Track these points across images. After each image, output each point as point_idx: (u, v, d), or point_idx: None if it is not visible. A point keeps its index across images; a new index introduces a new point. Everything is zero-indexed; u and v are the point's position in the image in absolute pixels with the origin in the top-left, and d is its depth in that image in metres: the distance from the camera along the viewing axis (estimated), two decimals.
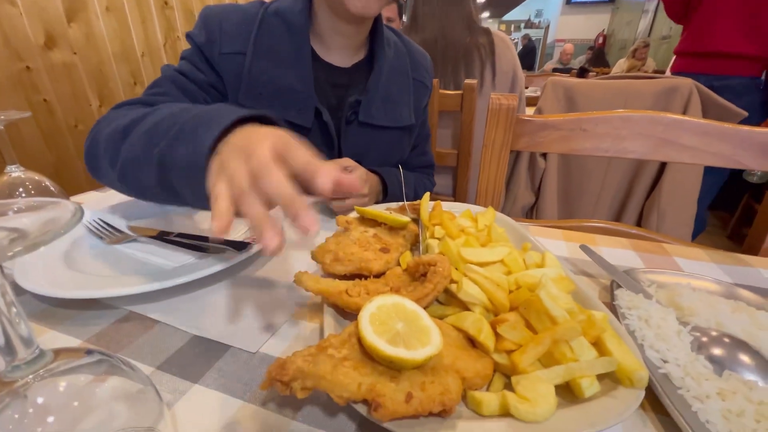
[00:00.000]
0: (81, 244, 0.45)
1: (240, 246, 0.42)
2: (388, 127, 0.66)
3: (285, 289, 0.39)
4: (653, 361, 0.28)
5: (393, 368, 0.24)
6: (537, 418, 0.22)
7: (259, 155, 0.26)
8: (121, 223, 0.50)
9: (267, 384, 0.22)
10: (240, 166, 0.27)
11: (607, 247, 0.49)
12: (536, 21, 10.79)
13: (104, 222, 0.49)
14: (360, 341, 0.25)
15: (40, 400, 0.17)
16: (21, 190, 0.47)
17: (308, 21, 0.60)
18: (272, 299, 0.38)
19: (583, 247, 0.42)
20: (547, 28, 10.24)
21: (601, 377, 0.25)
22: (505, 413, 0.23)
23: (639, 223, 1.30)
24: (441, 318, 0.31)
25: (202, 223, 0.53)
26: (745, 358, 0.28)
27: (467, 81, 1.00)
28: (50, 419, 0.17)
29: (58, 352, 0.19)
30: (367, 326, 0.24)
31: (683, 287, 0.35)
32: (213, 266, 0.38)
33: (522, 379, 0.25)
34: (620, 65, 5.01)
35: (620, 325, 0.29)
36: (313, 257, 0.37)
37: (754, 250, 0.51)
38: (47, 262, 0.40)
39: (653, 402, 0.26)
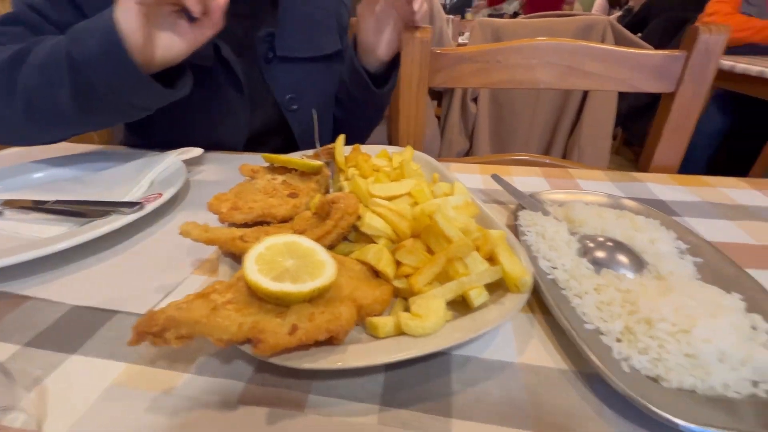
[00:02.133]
0: None
1: (130, 207, 0.38)
2: (314, 58, 0.60)
3: (184, 248, 0.36)
4: (544, 269, 0.30)
5: (281, 304, 0.22)
6: (426, 331, 0.22)
7: None
8: None
9: (135, 339, 0.20)
10: None
11: (519, 176, 0.51)
12: None
13: None
14: (246, 283, 0.23)
15: None
16: None
17: None
18: (169, 259, 0.34)
19: (494, 176, 0.43)
20: None
21: (496, 289, 0.27)
22: (401, 333, 0.23)
23: (564, 158, 1.39)
24: (348, 254, 0.30)
25: (87, 186, 0.46)
26: (621, 256, 0.31)
27: None
28: None
29: None
30: (252, 266, 0.23)
31: (577, 203, 0.38)
32: (89, 233, 0.33)
33: (417, 299, 0.25)
34: None
35: (516, 240, 0.30)
36: (209, 208, 0.34)
37: (645, 168, 0.56)
38: None
39: (541, 305, 0.28)
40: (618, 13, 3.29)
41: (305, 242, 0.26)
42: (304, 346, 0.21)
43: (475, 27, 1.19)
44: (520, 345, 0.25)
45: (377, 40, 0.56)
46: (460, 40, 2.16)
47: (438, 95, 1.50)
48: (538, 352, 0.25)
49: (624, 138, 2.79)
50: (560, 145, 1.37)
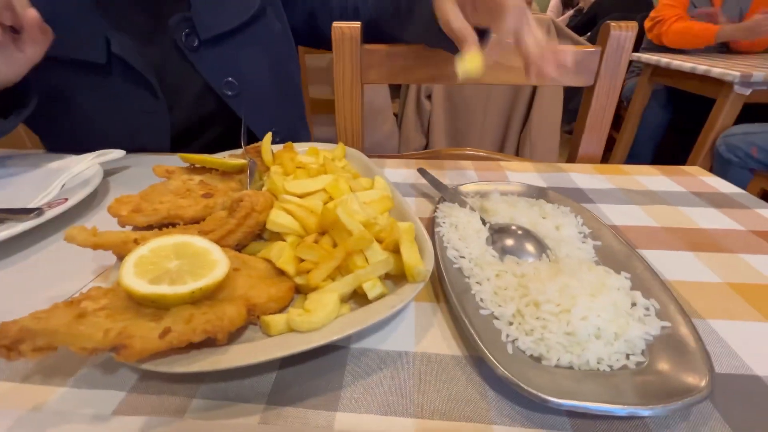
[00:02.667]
0: None
1: (29, 213, 0.35)
2: (239, 27, 0.54)
3: (89, 256, 0.34)
4: (451, 259, 0.30)
5: (160, 308, 0.21)
6: (313, 326, 0.22)
7: None
8: None
9: None
10: None
11: (452, 170, 0.52)
12: None
13: None
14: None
15: None
16: None
17: None
18: (69, 269, 0.32)
19: (420, 170, 0.44)
20: None
21: (400, 281, 0.27)
22: (293, 330, 0.23)
23: (517, 153, 1.44)
24: (254, 253, 0.30)
25: None
26: (525, 243, 0.32)
27: None
28: None
29: None
30: (129, 269, 0.22)
31: (493, 193, 0.39)
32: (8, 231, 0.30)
33: (313, 295, 0.25)
34: None
35: (424, 231, 0.30)
36: (109, 211, 0.32)
37: (572, 159, 0.59)
38: None
39: (445, 294, 0.29)
40: (570, 13, 3.44)
41: (198, 242, 0.25)
42: (182, 349, 0.21)
43: None
44: (420, 334, 0.26)
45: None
46: None
47: (396, 92, 1.51)
48: (435, 340, 0.25)
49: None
50: (513, 140, 1.41)
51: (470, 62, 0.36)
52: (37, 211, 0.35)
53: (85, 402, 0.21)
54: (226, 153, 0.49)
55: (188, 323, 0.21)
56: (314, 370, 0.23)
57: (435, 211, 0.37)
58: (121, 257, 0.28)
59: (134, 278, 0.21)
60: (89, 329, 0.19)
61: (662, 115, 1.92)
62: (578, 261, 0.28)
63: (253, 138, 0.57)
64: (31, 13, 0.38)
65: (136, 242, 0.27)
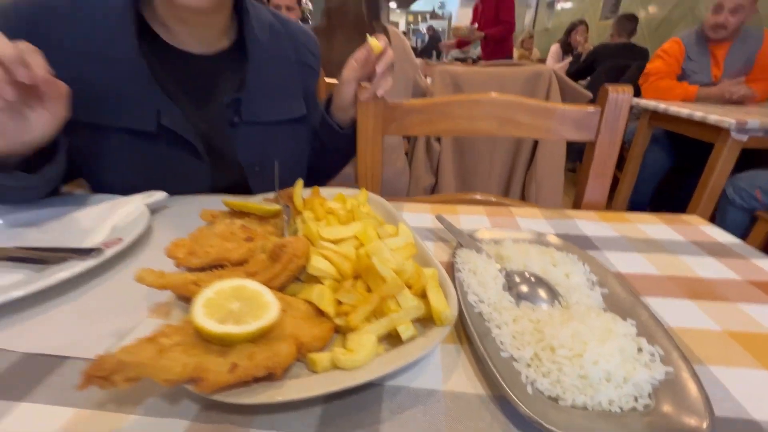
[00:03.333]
0: None
1: (86, 253, 0.39)
2: (279, 122, 0.62)
3: (141, 293, 0.37)
4: (472, 303, 0.33)
5: (225, 345, 0.25)
6: (356, 364, 0.25)
7: None
8: None
9: (84, 383, 0.22)
10: None
11: (465, 215, 0.56)
12: (440, 12, 11.35)
13: None
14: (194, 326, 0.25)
15: None
16: None
17: (133, 4, 0.51)
18: (125, 304, 0.36)
19: (438, 217, 0.48)
20: (450, 18, 10.84)
21: (427, 323, 0.30)
22: (336, 367, 0.26)
23: (523, 193, 1.48)
24: (295, 294, 0.33)
25: (47, 232, 0.47)
26: (538, 290, 0.35)
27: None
28: None
29: None
30: (199, 309, 0.25)
31: (506, 240, 0.42)
32: (45, 281, 0.34)
33: (352, 335, 0.28)
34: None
35: (446, 277, 0.34)
36: (167, 254, 0.36)
37: (577, 205, 0.63)
38: None
39: (468, 336, 0.32)
40: (569, 59, 3.63)
41: (252, 285, 0.29)
42: (245, 383, 0.24)
43: (435, 74, 1.30)
44: (447, 374, 0.28)
45: (352, 102, 0.61)
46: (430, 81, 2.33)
47: None
48: (461, 380, 0.28)
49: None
50: (519, 180, 1.47)
51: (373, 43, 0.56)
52: (96, 251, 0.39)
53: (155, 429, 0.24)
54: (260, 196, 0.53)
55: (251, 360, 0.24)
56: (355, 405, 0.26)
57: (453, 256, 0.41)
58: (180, 296, 0.32)
59: (205, 318, 0.25)
60: (170, 363, 0.23)
61: (662, 157, 1.99)
62: (587, 308, 0.32)
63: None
64: (47, 75, 0.39)
65: (195, 284, 0.31)
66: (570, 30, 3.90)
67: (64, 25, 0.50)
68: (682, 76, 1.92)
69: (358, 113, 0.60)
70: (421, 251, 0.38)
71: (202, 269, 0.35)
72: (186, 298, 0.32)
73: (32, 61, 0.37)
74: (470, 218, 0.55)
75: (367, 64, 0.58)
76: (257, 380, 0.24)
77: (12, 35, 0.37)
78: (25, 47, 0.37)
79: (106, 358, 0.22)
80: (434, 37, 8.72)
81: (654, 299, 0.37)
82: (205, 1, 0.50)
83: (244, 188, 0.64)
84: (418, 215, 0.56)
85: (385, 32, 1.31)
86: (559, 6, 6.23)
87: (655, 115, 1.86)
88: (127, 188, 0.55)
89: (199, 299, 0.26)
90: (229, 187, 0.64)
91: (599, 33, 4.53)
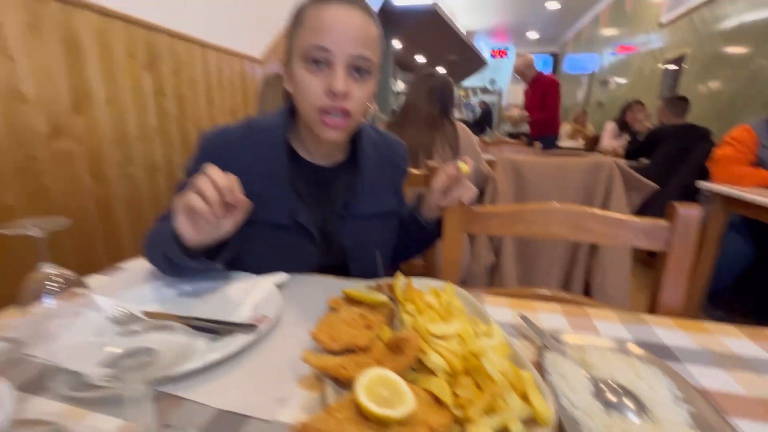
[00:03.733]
0: (106, 329, 0.52)
1: (248, 328, 0.51)
2: (376, 214, 0.77)
3: (287, 363, 0.48)
4: (565, 407, 0.39)
5: (381, 424, 0.33)
6: None
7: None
8: (135, 308, 0.58)
9: None
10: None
11: (543, 313, 0.61)
12: (491, 88, 12.07)
13: (123, 309, 0.56)
14: (356, 405, 0.34)
15: None
16: (51, 283, 0.54)
17: (286, 134, 0.71)
18: (277, 372, 0.46)
19: (522, 316, 0.55)
20: (501, 93, 11.46)
21: (531, 421, 0.36)
22: None
23: (587, 277, 1.47)
24: (413, 382, 0.41)
25: (205, 303, 0.61)
26: (627, 401, 0.40)
27: (430, 162, 1.18)
28: None
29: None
30: (362, 394, 0.34)
31: (590, 347, 0.48)
32: (236, 344, 0.46)
33: (472, 426, 0.35)
34: (565, 128, 5.68)
35: (542, 380, 0.40)
36: (313, 338, 0.46)
37: (653, 309, 0.66)
38: (85, 346, 0.47)
39: None
40: (626, 137, 3.64)
41: (390, 375, 0.38)
42: None
43: (498, 164, 1.43)
44: None
45: (439, 207, 0.75)
46: (486, 156, 2.49)
47: None
48: None
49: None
50: (583, 263, 1.47)
51: (463, 167, 0.66)
52: (253, 327, 0.51)
53: None
54: (364, 284, 0.64)
55: None
56: None
57: (541, 357, 0.47)
58: (328, 375, 0.41)
59: (368, 401, 0.34)
60: None
61: (742, 244, 1.87)
62: (677, 425, 0.36)
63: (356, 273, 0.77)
64: (242, 197, 0.56)
65: (343, 367, 0.41)
66: (625, 108, 3.97)
67: (238, 151, 0.69)
68: (757, 162, 1.86)
69: (445, 214, 0.72)
70: (515, 353, 0.45)
71: (339, 352, 0.45)
72: (334, 378, 0.42)
73: (234, 186, 0.54)
74: (548, 317, 0.60)
75: (454, 180, 0.70)
76: None
77: (204, 161, 0.56)
78: (231, 177, 0.54)
79: (308, 426, 0.31)
80: (486, 110, 9.22)
81: (742, 422, 0.40)
82: (343, 136, 0.67)
83: (343, 267, 0.77)
84: (498, 309, 0.62)
85: (454, 127, 1.50)
86: (613, 83, 6.39)
87: (731, 200, 1.80)
88: (255, 267, 0.70)
89: (359, 385, 0.35)
90: (331, 265, 0.77)
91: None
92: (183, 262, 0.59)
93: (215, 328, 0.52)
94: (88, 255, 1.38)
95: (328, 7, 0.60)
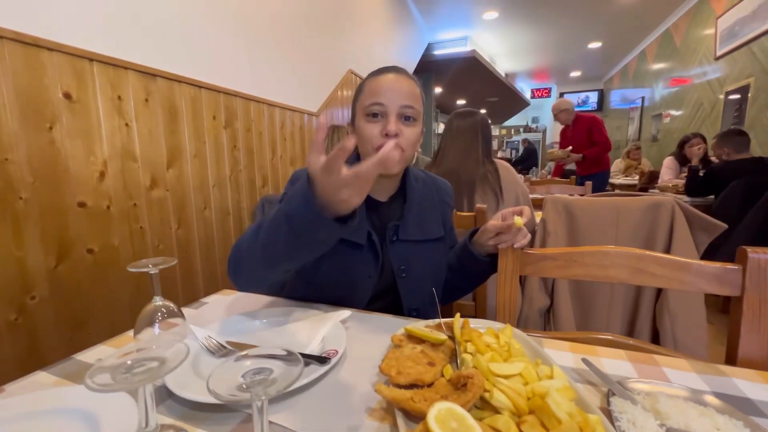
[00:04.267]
0: (200, 356, 0.61)
1: (321, 359, 0.57)
2: (422, 240, 0.86)
3: (355, 395, 0.52)
4: None
5: None
6: None
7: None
8: (221, 339, 0.66)
9: None
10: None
11: (606, 358, 0.60)
12: (533, 126, 12.00)
13: (213, 339, 0.65)
14: None
15: None
16: (159, 314, 0.64)
17: None
18: (347, 403, 0.50)
19: (585, 360, 0.55)
20: (545, 131, 11.33)
21: None
22: None
23: (653, 324, 1.36)
24: (478, 419, 0.43)
25: (280, 335, 0.67)
26: None
27: (478, 205, 1.22)
28: None
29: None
30: (434, 425, 0.37)
31: (660, 395, 0.47)
32: (312, 374, 0.52)
33: None
34: (617, 165, 5.44)
35: (611, 426, 0.40)
36: (382, 371, 0.50)
37: (731, 360, 0.61)
38: (185, 372, 0.55)
39: None
40: (685, 174, 3.41)
41: (458, 409, 0.40)
42: None
43: (548, 203, 1.42)
44: None
45: (491, 246, 0.81)
46: (532, 196, 2.46)
47: None
48: None
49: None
50: (648, 307, 1.37)
51: (518, 221, 0.71)
52: (326, 359, 0.57)
53: None
54: (423, 323, 0.68)
55: None
56: None
57: (608, 404, 0.46)
58: (399, 407, 0.45)
59: (439, 431, 0.37)
60: None
61: None
62: None
63: (399, 305, 0.85)
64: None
65: (412, 400, 0.44)
66: (683, 142, 3.75)
67: None
68: None
69: (500, 256, 0.74)
70: (580, 396, 0.45)
71: (406, 386, 0.49)
72: (403, 410, 0.45)
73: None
74: (612, 363, 0.59)
75: (509, 227, 0.75)
76: None
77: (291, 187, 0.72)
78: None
79: None
80: (529, 149, 9.13)
81: None
82: (397, 168, 0.79)
83: (394, 292, 0.86)
84: (558, 353, 0.62)
85: (494, 164, 1.53)
86: (667, 117, 6.10)
87: None
88: (324, 284, 0.80)
89: (431, 416, 0.38)
90: (383, 288, 0.86)
91: None
92: (309, 227, 0.57)
93: (291, 359, 0.58)
94: (170, 289, 1.56)
95: (383, 75, 0.78)
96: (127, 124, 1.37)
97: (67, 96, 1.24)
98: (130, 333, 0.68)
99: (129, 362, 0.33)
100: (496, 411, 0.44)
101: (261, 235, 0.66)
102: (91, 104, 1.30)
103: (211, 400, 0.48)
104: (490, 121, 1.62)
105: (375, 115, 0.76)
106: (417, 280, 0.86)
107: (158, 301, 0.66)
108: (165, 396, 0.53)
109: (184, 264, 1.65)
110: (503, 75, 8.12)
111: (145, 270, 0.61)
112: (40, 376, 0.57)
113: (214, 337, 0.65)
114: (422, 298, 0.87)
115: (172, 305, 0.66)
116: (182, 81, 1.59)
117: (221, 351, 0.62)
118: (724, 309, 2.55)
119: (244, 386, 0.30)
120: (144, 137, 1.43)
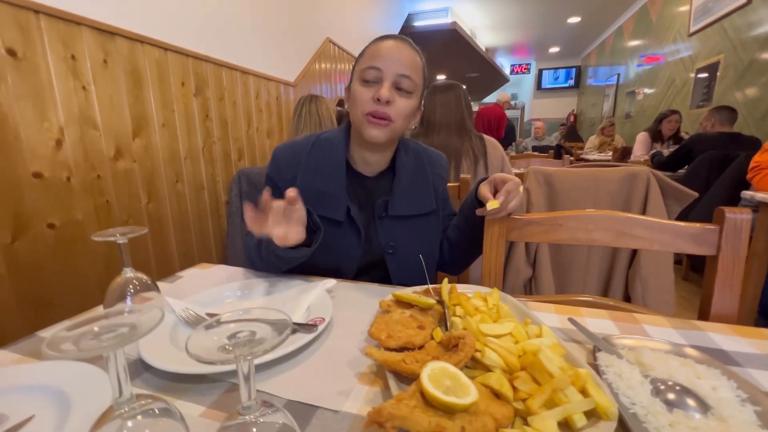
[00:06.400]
0: (178, 328, 0.57)
1: (308, 327, 0.55)
2: (413, 215, 0.84)
3: (344, 361, 0.51)
4: (625, 404, 0.40)
5: (448, 411, 0.35)
6: None
7: None
8: (200, 311, 0.63)
9: (369, 424, 0.33)
10: None
11: (590, 318, 0.62)
12: (513, 103, 12.04)
13: (191, 311, 0.61)
14: (423, 394, 0.37)
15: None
16: (131, 287, 0.60)
17: (346, 147, 0.82)
18: (336, 368, 0.49)
19: (571, 320, 0.55)
20: (523, 109, 11.40)
21: (589, 414, 0.37)
22: None
23: (626, 290, 1.43)
24: (470, 378, 0.43)
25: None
26: (688, 399, 0.40)
27: (462, 175, 1.21)
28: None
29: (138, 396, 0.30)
30: (428, 383, 0.37)
31: (644, 349, 0.48)
32: (299, 341, 0.50)
33: (536, 418, 0.36)
34: (592, 141, 5.57)
35: (599, 378, 0.41)
36: (371, 335, 0.49)
37: (704, 316, 0.64)
38: (162, 344, 0.52)
39: None
40: (664, 150, 3.53)
41: (450, 368, 0.40)
42: None
43: (530, 174, 1.43)
44: None
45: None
46: (514, 170, 2.49)
47: None
48: None
49: (689, 263, 2.72)
50: (621, 276, 1.42)
51: (492, 204, 0.68)
52: (313, 326, 0.55)
53: None
54: (410, 289, 0.67)
55: (471, 425, 0.34)
56: None
57: (594, 359, 0.47)
58: (390, 370, 0.44)
59: (434, 389, 0.36)
60: (420, 419, 0.34)
61: None
62: (745, 423, 0.36)
63: (388, 279, 0.83)
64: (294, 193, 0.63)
65: (404, 362, 0.43)
66: (661, 119, 3.86)
67: (305, 156, 0.80)
68: None
69: (486, 221, 0.74)
70: (568, 353, 0.46)
71: (396, 350, 0.48)
72: (394, 372, 0.44)
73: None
74: (596, 322, 0.60)
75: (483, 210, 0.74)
76: None
77: (277, 167, 0.72)
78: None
79: (381, 410, 0.34)
80: (509, 126, 9.17)
81: None
82: (383, 137, 0.75)
83: (382, 265, 0.84)
84: (544, 314, 0.63)
85: (481, 138, 1.52)
86: (641, 94, 6.25)
87: None
88: (312, 260, 0.77)
89: (425, 375, 0.38)
90: (371, 264, 0.84)
91: (691, 122, 4.39)
92: (287, 254, 0.69)
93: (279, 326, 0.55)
94: (143, 264, 1.49)
95: (384, 41, 0.75)
96: (84, 87, 1.25)
97: (11, 52, 1.11)
98: (100, 308, 0.64)
99: (96, 329, 0.29)
100: (488, 370, 0.44)
101: (254, 254, 0.77)
102: (40, 63, 1.17)
103: (191, 370, 0.46)
104: (469, 98, 1.60)
105: (370, 80, 0.74)
106: (406, 256, 0.84)
107: (129, 272, 0.61)
108: (142, 370, 0.50)
109: (158, 240, 1.56)
110: (483, 49, 8.01)
111: (112, 239, 0.57)
112: (0, 354, 0.53)
113: (193, 309, 0.62)
114: (411, 272, 0.85)
115: (145, 277, 0.62)
116: (145, 42, 1.46)
117: (201, 323, 0.59)
118: (686, 277, 2.72)
119: (228, 347, 0.28)
120: (105, 103, 1.31)
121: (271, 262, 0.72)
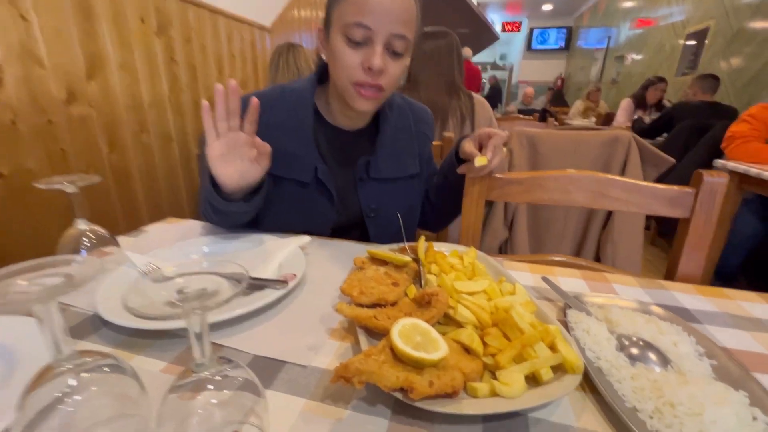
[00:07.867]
0: (139, 284, 0.54)
1: (278, 283, 0.53)
2: (396, 178, 0.78)
3: (316, 317, 0.50)
4: (590, 359, 0.40)
5: (417, 366, 0.35)
6: (513, 394, 0.33)
7: None
8: (165, 266, 0.59)
9: (335, 378, 0.32)
10: None
11: (562, 277, 0.62)
12: (501, 63, 11.70)
13: (155, 265, 0.58)
14: (392, 350, 0.36)
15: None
16: (86, 240, 0.56)
17: (312, 100, 0.73)
18: (307, 324, 0.48)
19: (544, 278, 0.56)
20: (511, 70, 11.12)
21: (556, 368, 0.37)
22: (493, 395, 0.34)
23: (597, 252, 1.48)
24: (442, 334, 0.43)
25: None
26: (650, 354, 0.41)
27: (446, 133, 1.17)
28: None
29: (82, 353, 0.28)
30: (398, 339, 0.36)
31: (613, 307, 0.49)
32: (268, 297, 0.48)
33: (503, 372, 0.36)
34: (577, 106, 5.53)
35: (568, 334, 0.41)
36: (343, 291, 0.48)
37: (671, 277, 0.66)
38: (120, 299, 0.49)
39: (591, 386, 0.38)
40: (646, 117, 3.55)
41: (422, 324, 0.39)
42: (434, 397, 0.33)
43: (513, 135, 1.41)
44: (577, 414, 0.35)
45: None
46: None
47: None
48: (590, 421, 0.34)
49: (657, 229, 2.84)
50: (594, 239, 1.47)
51: (480, 160, 0.65)
52: (283, 282, 0.53)
53: (364, 422, 0.34)
54: (387, 247, 0.65)
55: (439, 379, 0.33)
56: (507, 427, 0.34)
57: (565, 315, 0.48)
58: (361, 326, 0.43)
59: (404, 345, 0.35)
60: (388, 374, 0.33)
61: (754, 222, 1.86)
62: (701, 375, 0.37)
63: (367, 240, 0.80)
64: (260, 141, 0.62)
65: (375, 318, 0.42)
66: (647, 86, 3.84)
67: (268, 109, 0.70)
68: None
69: (466, 179, 0.71)
70: (540, 310, 0.46)
71: (368, 306, 0.47)
72: (365, 328, 0.43)
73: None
74: (568, 281, 0.61)
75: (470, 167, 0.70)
76: (439, 396, 0.33)
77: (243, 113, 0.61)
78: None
79: (349, 364, 0.33)
80: (495, 87, 8.98)
81: (763, 376, 0.41)
82: (374, 107, 0.68)
83: (362, 227, 0.80)
84: (519, 273, 0.63)
85: (470, 96, 1.46)
86: (629, 59, 6.17)
87: (745, 178, 1.78)
88: (279, 223, 0.73)
89: (395, 331, 0.37)
90: (348, 225, 0.80)
91: (675, 89, 4.40)
92: (224, 206, 0.64)
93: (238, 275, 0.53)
94: (107, 219, 1.40)
95: None
96: (23, 17, 1.09)
97: None
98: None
99: (24, 282, 0.26)
100: (460, 326, 0.44)
101: (203, 203, 0.68)
102: None
103: (147, 326, 0.44)
104: None
105: (358, 40, 0.61)
106: (388, 220, 0.79)
107: (82, 224, 0.57)
108: (99, 325, 0.47)
109: (123, 194, 1.46)
110: (475, 2, 7.59)
111: (58, 187, 0.51)
112: None
113: (156, 264, 0.59)
114: (393, 236, 0.81)
115: (101, 230, 0.58)
116: None
117: (165, 279, 0.56)
118: (653, 242, 2.85)
119: (177, 302, 0.25)
120: (50, 37, 1.15)
121: (218, 215, 0.68)
